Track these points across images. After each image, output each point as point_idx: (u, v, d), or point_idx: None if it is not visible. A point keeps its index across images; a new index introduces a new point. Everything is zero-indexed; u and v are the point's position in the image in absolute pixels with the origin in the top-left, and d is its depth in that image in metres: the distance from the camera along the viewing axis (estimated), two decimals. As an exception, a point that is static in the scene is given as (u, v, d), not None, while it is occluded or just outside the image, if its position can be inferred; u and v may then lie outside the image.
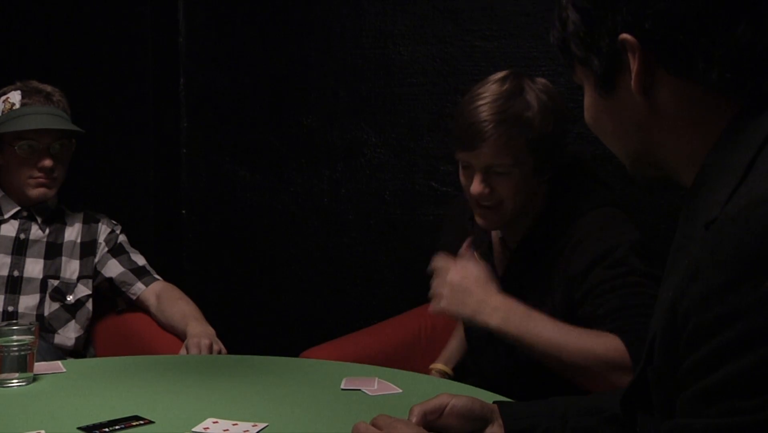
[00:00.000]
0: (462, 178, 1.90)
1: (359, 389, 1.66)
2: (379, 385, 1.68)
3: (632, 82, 0.96)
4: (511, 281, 1.91)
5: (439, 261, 1.81)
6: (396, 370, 1.83)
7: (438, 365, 2.18)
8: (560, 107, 1.84)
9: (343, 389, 1.67)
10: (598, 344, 1.68)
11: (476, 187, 1.84)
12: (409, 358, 2.36)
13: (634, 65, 0.95)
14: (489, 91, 1.80)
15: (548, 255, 1.86)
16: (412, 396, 1.60)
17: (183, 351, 2.15)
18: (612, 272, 1.76)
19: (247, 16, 3.38)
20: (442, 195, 3.05)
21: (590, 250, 1.79)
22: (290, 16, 3.31)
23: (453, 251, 2.11)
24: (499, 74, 1.84)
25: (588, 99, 1.05)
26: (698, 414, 0.82)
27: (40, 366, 1.83)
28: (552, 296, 1.84)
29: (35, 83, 2.45)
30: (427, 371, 2.15)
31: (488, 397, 1.47)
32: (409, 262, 3.14)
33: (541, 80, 1.84)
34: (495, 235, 2.01)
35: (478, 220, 1.91)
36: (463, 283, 1.75)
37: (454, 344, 2.24)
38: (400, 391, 1.66)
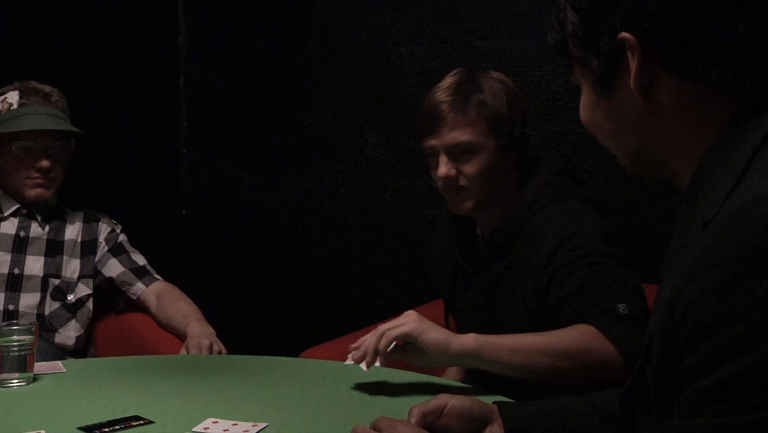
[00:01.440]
0: (431, 170, 1.97)
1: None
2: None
3: (631, 81, 0.96)
4: (485, 275, 1.96)
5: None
6: (396, 370, 1.83)
7: None
8: (513, 92, 1.93)
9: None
10: (573, 335, 1.67)
11: (443, 168, 1.90)
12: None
13: (633, 64, 0.95)
14: (444, 83, 1.93)
15: (515, 246, 1.90)
16: (414, 397, 1.60)
17: (183, 351, 2.15)
18: (572, 254, 1.79)
19: (248, 16, 3.38)
20: (442, 195, 3.05)
21: (551, 237, 1.83)
22: (290, 16, 3.31)
23: (439, 254, 2.14)
24: (454, 70, 1.96)
25: (585, 98, 1.05)
26: (697, 414, 0.82)
27: (40, 366, 1.83)
28: (521, 286, 1.87)
29: (34, 83, 2.44)
30: (427, 370, 2.15)
31: (488, 397, 1.47)
32: (408, 262, 3.14)
33: (494, 72, 1.96)
34: (478, 229, 2.04)
35: (451, 207, 1.98)
36: (421, 316, 1.67)
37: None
38: None
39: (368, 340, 1.68)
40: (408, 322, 1.66)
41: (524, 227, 1.89)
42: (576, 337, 1.67)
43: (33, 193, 2.42)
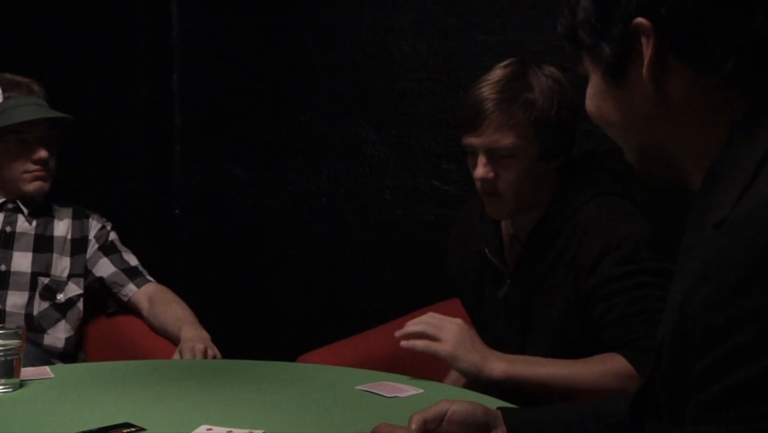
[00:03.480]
0: (470, 166, 1.93)
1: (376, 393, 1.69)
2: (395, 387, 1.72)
3: (644, 70, 0.95)
4: (523, 275, 1.94)
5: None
6: (397, 375, 1.83)
7: None
8: (566, 92, 1.87)
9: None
10: (606, 369, 1.72)
11: (480, 170, 1.86)
12: (411, 363, 2.35)
13: (647, 51, 0.94)
14: (492, 76, 1.87)
15: (556, 246, 1.88)
16: (415, 403, 1.60)
17: (176, 356, 2.15)
18: (621, 269, 1.78)
19: (244, 9, 3.38)
20: (444, 194, 3.05)
21: (597, 240, 1.81)
22: (288, 9, 3.31)
23: (461, 251, 2.12)
24: (505, 61, 1.91)
25: (593, 88, 1.04)
26: (708, 421, 0.82)
27: (27, 372, 1.82)
28: (562, 288, 1.86)
29: (9, 76, 2.45)
30: (428, 376, 2.15)
31: (491, 402, 1.46)
32: (410, 263, 3.14)
33: (548, 67, 1.90)
34: (505, 230, 2.02)
35: (487, 209, 1.95)
36: (465, 333, 1.78)
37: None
38: (421, 391, 1.69)
39: (416, 326, 1.79)
40: (445, 344, 1.75)
41: (566, 225, 1.87)
42: (607, 375, 1.71)
43: (32, 187, 2.42)
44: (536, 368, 1.74)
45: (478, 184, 1.90)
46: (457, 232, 2.19)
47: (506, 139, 1.83)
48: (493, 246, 2.03)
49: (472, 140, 1.87)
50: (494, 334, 1.98)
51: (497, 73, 1.87)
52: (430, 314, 1.81)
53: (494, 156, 1.85)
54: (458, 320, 1.79)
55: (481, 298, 2.08)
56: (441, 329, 1.76)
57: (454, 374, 2.21)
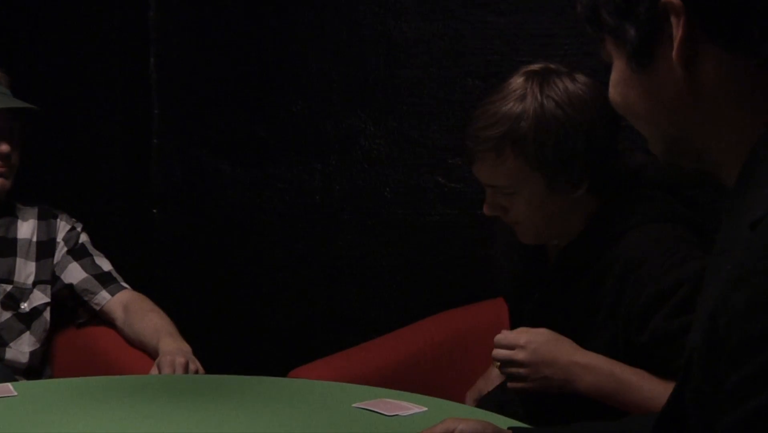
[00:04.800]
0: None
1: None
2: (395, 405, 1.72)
3: (674, 52, 0.95)
4: (552, 296, 1.93)
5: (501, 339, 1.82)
6: (398, 392, 1.83)
7: None
8: (584, 112, 1.76)
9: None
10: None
11: (486, 207, 1.88)
12: (413, 378, 2.36)
13: (677, 32, 0.94)
14: (497, 95, 1.81)
15: (593, 275, 1.84)
16: (420, 421, 1.60)
17: (154, 370, 2.15)
18: (675, 323, 1.72)
19: (228, -13, 3.38)
20: (450, 192, 3.05)
21: (648, 285, 1.75)
22: (277, -13, 3.31)
23: (509, 259, 2.12)
24: (524, 69, 1.83)
25: (616, 75, 1.04)
26: (743, 441, 0.82)
27: (-12, 388, 1.83)
28: (605, 330, 1.83)
29: None
30: (432, 392, 2.15)
31: (500, 421, 1.47)
32: (413, 268, 3.14)
33: (571, 78, 1.77)
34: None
35: (517, 235, 1.93)
36: (539, 353, 1.77)
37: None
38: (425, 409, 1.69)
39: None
40: (523, 369, 1.77)
41: (606, 252, 1.82)
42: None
43: None
44: (620, 390, 1.77)
45: None
46: (501, 228, 2.11)
47: (499, 180, 1.83)
48: (529, 254, 2.01)
49: (476, 173, 1.88)
50: None
51: (505, 90, 1.80)
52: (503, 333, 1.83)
53: (497, 192, 1.85)
54: (525, 356, 1.78)
55: (519, 304, 2.09)
56: (516, 340, 1.78)
57: (476, 387, 2.22)
